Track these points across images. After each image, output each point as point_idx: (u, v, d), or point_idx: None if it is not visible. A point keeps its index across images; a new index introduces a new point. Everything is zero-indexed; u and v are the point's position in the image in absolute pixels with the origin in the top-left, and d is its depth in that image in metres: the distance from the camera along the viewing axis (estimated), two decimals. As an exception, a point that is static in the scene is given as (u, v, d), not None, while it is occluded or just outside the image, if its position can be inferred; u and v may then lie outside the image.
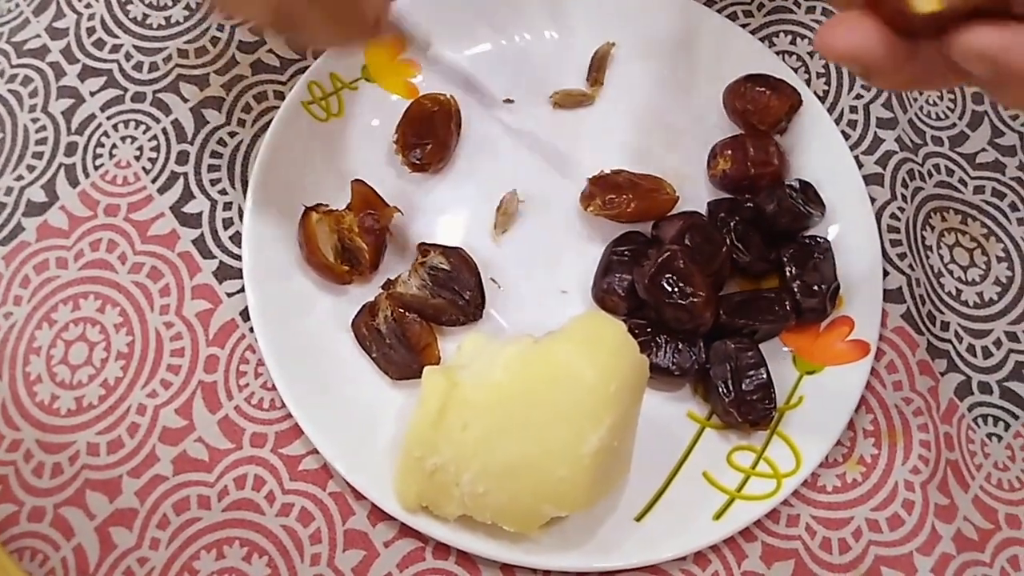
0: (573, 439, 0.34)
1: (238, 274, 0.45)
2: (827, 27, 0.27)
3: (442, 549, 0.41)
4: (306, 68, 0.48)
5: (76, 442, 0.42)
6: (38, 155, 0.47)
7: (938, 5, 0.25)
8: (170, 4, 0.51)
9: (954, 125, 0.51)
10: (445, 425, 0.37)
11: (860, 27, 0.27)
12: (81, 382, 0.43)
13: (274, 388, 0.42)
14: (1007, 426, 0.46)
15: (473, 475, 0.36)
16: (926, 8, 0.25)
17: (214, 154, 0.48)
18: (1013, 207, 0.50)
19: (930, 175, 0.50)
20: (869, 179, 0.48)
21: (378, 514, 0.41)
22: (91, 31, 0.50)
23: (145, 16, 0.51)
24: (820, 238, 0.46)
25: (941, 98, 0.52)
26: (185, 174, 0.47)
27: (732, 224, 0.45)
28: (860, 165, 0.48)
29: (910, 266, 0.47)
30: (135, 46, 0.50)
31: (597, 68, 0.50)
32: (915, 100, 0.51)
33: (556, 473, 0.35)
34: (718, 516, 0.41)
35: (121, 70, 0.49)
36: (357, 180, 0.45)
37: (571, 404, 0.35)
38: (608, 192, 0.46)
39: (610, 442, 0.35)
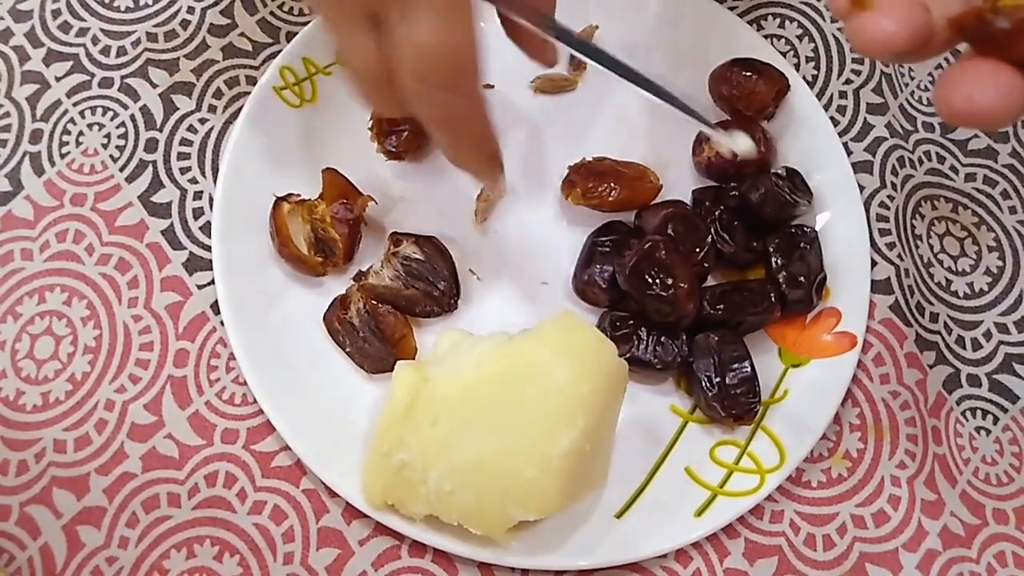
0: (543, 439, 0.33)
1: (208, 266, 0.44)
2: (948, 80, 0.25)
3: (418, 547, 0.40)
4: (279, 52, 0.46)
5: (42, 439, 0.41)
6: (2, 143, 0.46)
7: None
8: (139, -14, 0.49)
9: (946, 111, 0.50)
10: (414, 420, 0.36)
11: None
12: (47, 377, 0.42)
13: (245, 383, 0.41)
14: (996, 419, 0.45)
15: (440, 473, 0.35)
16: None
17: (184, 142, 0.46)
18: (1005, 195, 0.49)
19: (921, 162, 0.49)
20: (858, 166, 0.47)
21: (352, 512, 0.40)
22: (56, 13, 0.48)
23: (113, -2, 0.49)
24: (807, 228, 0.45)
25: (933, 82, 0.51)
26: (154, 162, 0.46)
27: (716, 213, 0.44)
28: (849, 152, 0.47)
29: (899, 256, 0.46)
30: (102, 29, 0.48)
31: (580, 52, 0.49)
32: (906, 85, 0.50)
33: (524, 474, 0.34)
34: (700, 512, 0.40)
35: (88, 54, 0.48)
36: (328, 169, 0.43)
37: (542, 403, 0.34)
38: (590, 180, 0.45)
39: (582, 445, 0.34)
